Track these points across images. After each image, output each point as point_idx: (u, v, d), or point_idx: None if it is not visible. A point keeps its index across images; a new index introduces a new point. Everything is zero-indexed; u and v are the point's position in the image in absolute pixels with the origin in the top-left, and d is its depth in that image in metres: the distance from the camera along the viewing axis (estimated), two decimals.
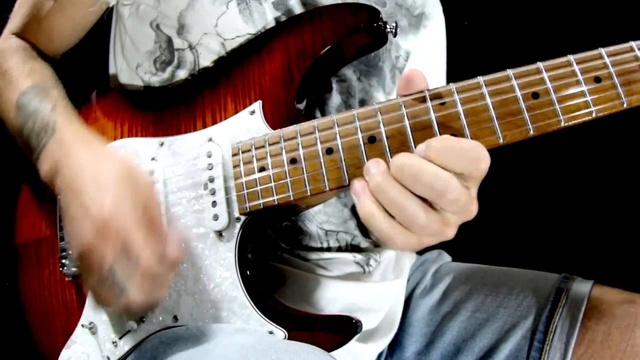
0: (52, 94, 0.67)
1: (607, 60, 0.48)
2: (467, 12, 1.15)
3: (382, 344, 0.75)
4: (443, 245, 0.91)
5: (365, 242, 0.78)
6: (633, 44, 0.48)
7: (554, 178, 1.20)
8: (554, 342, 0.69)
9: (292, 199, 0.55)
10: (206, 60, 0.69)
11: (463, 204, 0.46)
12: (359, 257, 0.74)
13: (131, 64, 0.75)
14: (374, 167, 0.47)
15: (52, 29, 0.74)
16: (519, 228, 1.20)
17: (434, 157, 0.45)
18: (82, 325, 0.67)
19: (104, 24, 0.78)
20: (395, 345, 0.80)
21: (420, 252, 0.90)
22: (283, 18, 0.67)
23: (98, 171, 0.55)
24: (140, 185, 0.55)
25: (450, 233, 0.48)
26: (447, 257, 0.90)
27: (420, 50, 0.80)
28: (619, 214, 1.14)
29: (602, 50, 0.48)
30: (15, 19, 0.76)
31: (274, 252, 0.70)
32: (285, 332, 0.56)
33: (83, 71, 0.87)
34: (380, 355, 0.80)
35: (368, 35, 0.59)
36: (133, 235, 0.51)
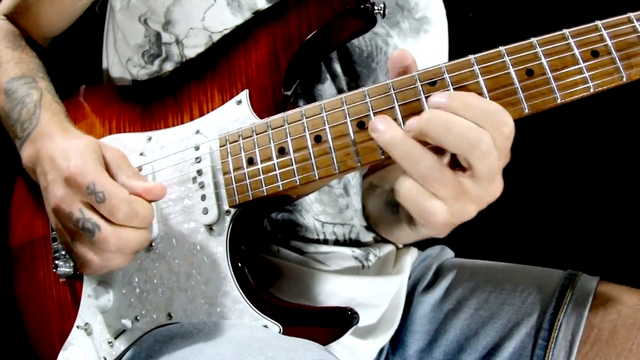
0: (39, 84, 0.67)
1: (604, 33, 0.46)
2: (471, 3, 1.13)
3: (382, 340, 0.73)
4: (446, 241, 0.89)
5: (368, 235, 0.76)
6: (631, 15, 0.46)
7: (558, 173, 1.17)
8: (558, 339, 0.67)
9: (281, 189, 0.54)
10: (192, 54, 0.68)
11: (494, 165, 0.44)
12: (357, 251, 0.73)
13: (122, 58, 0.74)
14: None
15: (39, 14, 0.75)
16: (523, 223, 1.18)
17: (457, 107, 0.43)
18: (78, 327, 0.66)
19: (98, 17, 0.77)
20: (398, 342, 0.79)
21: (423, 248, 0.88)
22: None
23: (71, 143, 0.56)
24: (110, 149, 0.57)
25: (472, 209, 0.46)
26: (450, 253, 0.88)
27: (420, 57, 0.77)
28: (625, 209, 1.11)
29: (599, 23, 0.46)
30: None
31: (269, 245, 0.68)
32: (280, 325, 0.55)
33: (78, 65, 0.87)
34: (381, 353, 0.78)
35: (356, 18, 0.57)
36: (97, 176, 0.52)
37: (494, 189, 0.46)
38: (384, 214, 0.74)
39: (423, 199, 0.45)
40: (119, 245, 0.51)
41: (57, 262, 0.69)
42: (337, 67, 0.70)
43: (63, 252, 0.70)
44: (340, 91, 0.70)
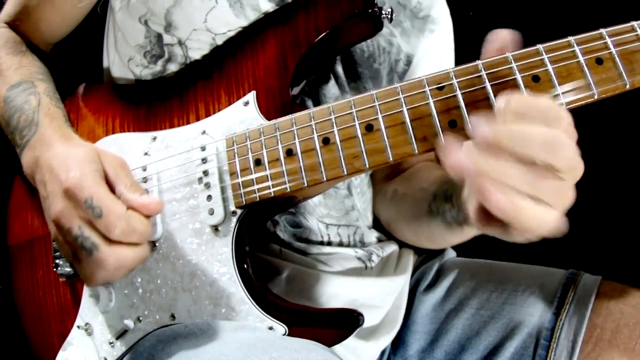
0: (38, 89, 0.67)
1: (608, 40, 0.47)
2: (471, 3, 1.13)
3: (384, 341, 0.74)
4: None
5: (371, 235, 0.77)
6: (634, 23, 0.47)
7: None
8: (560, 339, 0.67)
9: (288, 190, 0.54)
10: (197, 55, 0.68)
11: (577, 160, 0.41)
12: (360, 252, 0.73)
13: (123, 57, 0.74)
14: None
15: (40, 20, 0.75)
16: None
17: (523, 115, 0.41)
18: (78, 327, 0.66)
19: (99, 17, 0.77)
20: (399, 343, 0.79)
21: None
22: None
23: (70, 153, 0.57)
24: (109, 158, 0.57)
25: (571, 193, 0.43)
26: (451, 252, 0.88)
27: (427, 57, 0.78)
28: (627, 209, 1.11)
29: (603, 31, 0.47)
30: (9, 6, 0.77)
31: (272, 246, 0.68)
32: (286, 327, 0.55)
33: (80, 64, 0.87)
34: (383, 353, 0.78)
35: (363, 22, 0.58)
36: (96, 190, 0.53)
37: (579, 170, 0.43)
38: (427, 217, 0.69)
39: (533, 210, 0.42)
40: (117, 264, 0.53)
41: (57, 261, 0.69)
42: (339, 69, 0.71)
43: None
44: (343, 92, 0.71)
